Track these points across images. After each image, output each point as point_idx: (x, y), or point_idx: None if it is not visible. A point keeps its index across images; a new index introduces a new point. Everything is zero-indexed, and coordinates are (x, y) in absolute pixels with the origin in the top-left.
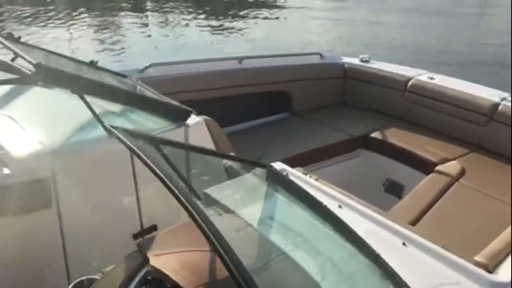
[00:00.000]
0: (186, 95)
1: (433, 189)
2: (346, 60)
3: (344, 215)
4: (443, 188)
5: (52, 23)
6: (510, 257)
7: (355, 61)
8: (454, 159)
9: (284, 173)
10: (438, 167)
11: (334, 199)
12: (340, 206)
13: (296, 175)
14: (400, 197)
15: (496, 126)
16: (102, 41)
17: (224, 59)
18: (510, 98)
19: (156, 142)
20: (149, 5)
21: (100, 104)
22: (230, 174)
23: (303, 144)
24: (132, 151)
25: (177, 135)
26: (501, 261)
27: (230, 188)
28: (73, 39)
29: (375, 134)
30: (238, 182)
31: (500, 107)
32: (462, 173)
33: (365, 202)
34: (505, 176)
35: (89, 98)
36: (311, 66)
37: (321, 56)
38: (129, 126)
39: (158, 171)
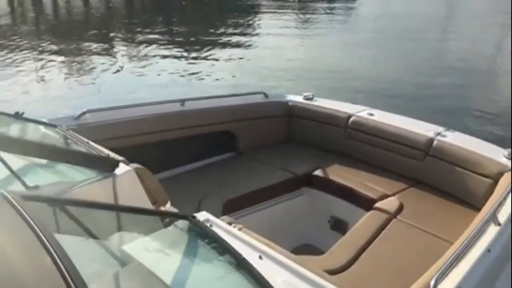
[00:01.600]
0: (126, 141)
1: (370, 227)
2: (290, 98)
3: (265, 266)
4: (381, 225)
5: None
6: None
7: (299, 99)
8: (393, 195)
9: (208, 224)
10: (377, 204)
11: (256, 250)
12: (260, 257)
13: (220, 225)
14: (344, 234)
15: (432, 161)
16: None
17: (166, 102)
18: (445, 133)
19: (61, 203)
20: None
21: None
22: (151, 228)
23: (247, 184)
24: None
25: (104, 186)
26: None
27: (148, 243)
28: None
29: (318, 172)
30: (157, 236)
31: (435, 143)
32: (400, 209)
33: (287, 252)
34: (441, 210)
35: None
36: (255, 105)
37: (265, 95)
38: (52, 179)
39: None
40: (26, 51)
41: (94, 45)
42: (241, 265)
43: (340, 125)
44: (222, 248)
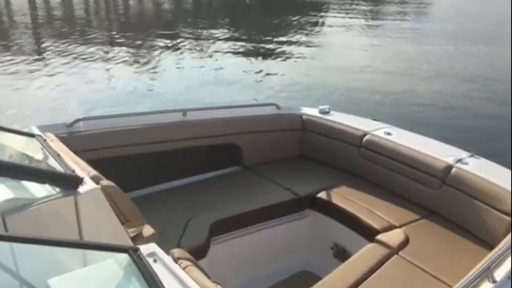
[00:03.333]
0: (119, 151)
1: (366, 262)
2: (304, 111)
3: None
4: (380, 261)
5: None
6: None
7: (314, 112)
8: (400, 226)
9: (152, 259)
10: (380, 236)
11: None
12: None
13: (164, 261)
14: None
15: (448, 190)
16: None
17: (167, 112)
18: (467, 160)
19: None
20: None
21: None
22: (87, 261)
23: (243, 203)
24: None
25: (65, 204)
26: None
27: (76, 278)
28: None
29: (323, 194)
30: (88, 271)
31: (453, 170)
32: (404, 243)
33: None
34: (451, 248)
35: None
36: (265, 117)
37: (277, 106)
38: (9, 195)
39: None
40: (97, 44)
41: (162, 43)
42: None
43: (354, 143)
44: None
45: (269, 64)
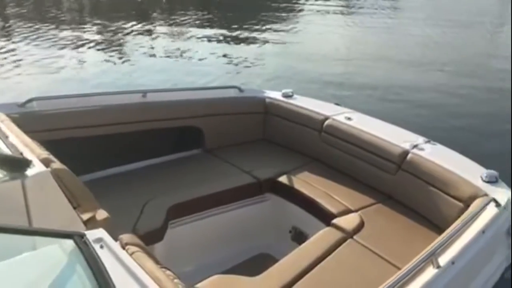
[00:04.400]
0: (73, 132)
1: (321, 246)
2: (268, 94)
3: None
4: (333, 245)
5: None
6: None
7: (278, 95)
8: (356, 210)
9: (98, 245)
10: (336, 220)
11: (139, 283)
12: None
13: (111, 247)
14: None
15: (404, 176)
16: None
17: (125, 92)
18: (423, 145)
19: None
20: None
21: None
22: (35, 246)
23: (202, 186)
24: None
25: (12, 188)
26: None
27: (21, 264)
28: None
29: (284, 178)
30: (34, 257)
31: (409, 156)
32: (359, 227)
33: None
34: (404, 232)
35: None
36: (228, 100)
37: (240, 89)
38: None
39: None
40: (67, 28)
41: (135, 27)
42: None
43: (315, 128)
44: (96, 276)
45: (242, 50)
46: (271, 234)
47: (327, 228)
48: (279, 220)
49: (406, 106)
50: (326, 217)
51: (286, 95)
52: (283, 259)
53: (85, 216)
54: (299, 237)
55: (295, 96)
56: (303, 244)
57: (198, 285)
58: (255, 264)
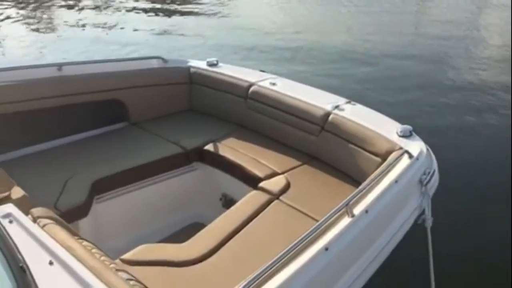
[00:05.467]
0: None
1: (247, 209)
2: (192, 63)
3: (54, 273)
4: (260, 207)
5: None
6: None
7: (202, 64)
8: (283, 173)
9: (7, 220)
10: (263, 183)
11: (50, 254)
12: (51, 263)
13: (20, 222)
14: None
15: (327, 136)
16: None
17: (39, 66)
18: (344, 106)
19: None
20: None
21: None
22: None
23: (131, 159)
24: None
25: None
26: None
27: None
28: None
29: (211, 146)
30: None
31: (331, 117)
32: (285, 188)
33: (90, 256)
34: (328, 190)
35: None
36: (151, 71)
37: (164, 60)
38: None
39: None
40: None
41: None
42: (19, 273)
43: (241, 95)
44: (3, 251)
45: (175, 22)
46: (201, 203)
47: (254, 191)
48: (208, 188)
49: (329, 70)
50: (253, 182)
51: (211, 64)
52: (210, 224)
53: None
54: (230, 203)
55: (220, 64)
56: (230, 209)
57: (124, 255)
58: (187, 234)
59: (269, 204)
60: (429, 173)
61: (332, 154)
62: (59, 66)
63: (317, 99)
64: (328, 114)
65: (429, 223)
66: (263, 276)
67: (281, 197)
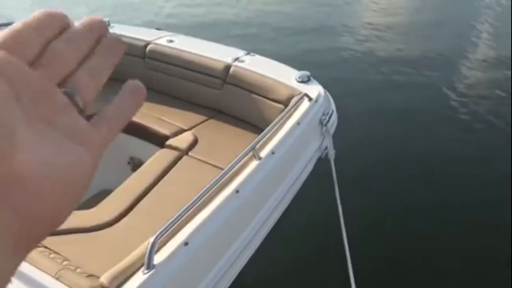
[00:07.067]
0: None
1: (156, 168)
2: None
3: None
4: (169, 164)
5: None
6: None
7: None
8: (189, 129)
9: None
10: (169, 141)
11: None
12: None
13: None
14: None
15: (230, 89)
16: None
17: None
18: (244, 58)
19: None
20: None
21: None
22: None
23: None
24: None
25: None
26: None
27: None
28: None
29: None
30: None
31: (232, 69)
32: (193, 144)
33: None
34: (236, 141)
35: None
36: None
37: None
38: None
39: None
40: None
41: None
42: None
43: (138, 54)
44: None
45: None
46: (110, 169)
47: (162, 150)
48: (115, 153)
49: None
50: (161, 141)
51: None
52: (118, 188)
53: None
54: (139, 166)
55: (112, 24)
56: (138, 170)
57: None
58: (96, 201)
59: (178, 160)
60: (328, 113)
61: (236, 105)
62: None
63: (216, 53)
64: (228, 66)
65: (331, 154)
66: (176, 224)
67: (189, 153)
